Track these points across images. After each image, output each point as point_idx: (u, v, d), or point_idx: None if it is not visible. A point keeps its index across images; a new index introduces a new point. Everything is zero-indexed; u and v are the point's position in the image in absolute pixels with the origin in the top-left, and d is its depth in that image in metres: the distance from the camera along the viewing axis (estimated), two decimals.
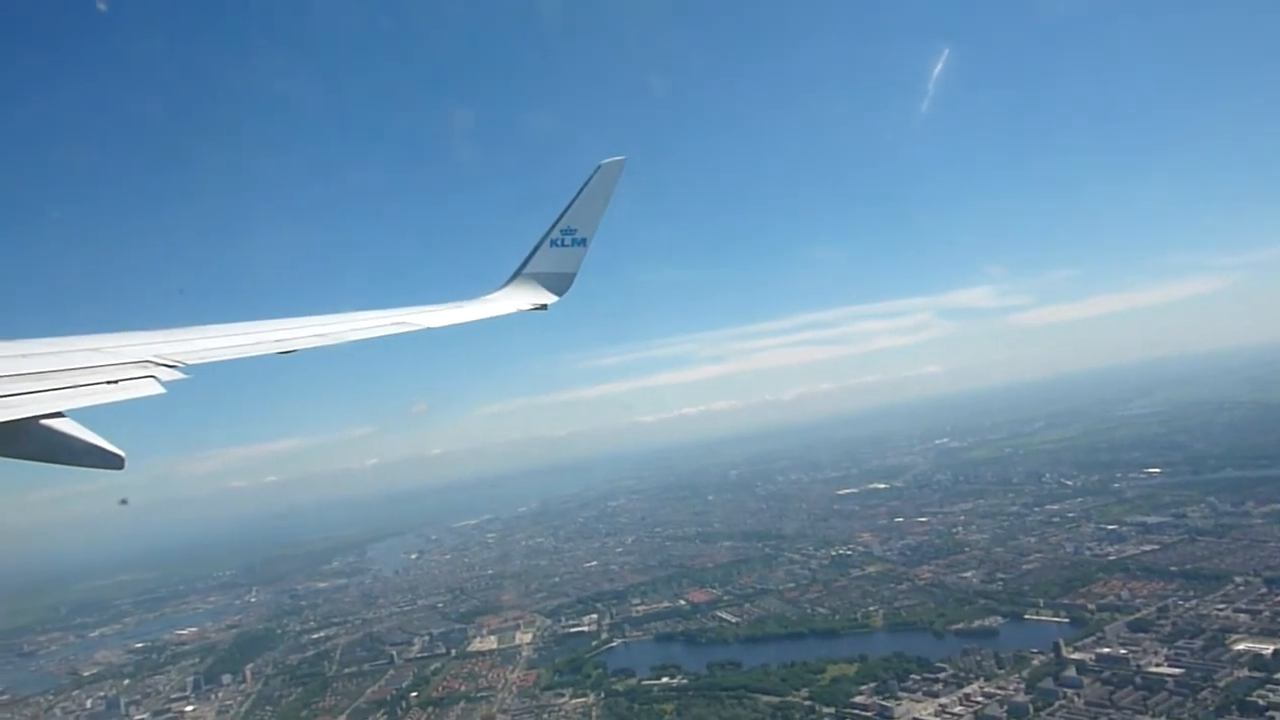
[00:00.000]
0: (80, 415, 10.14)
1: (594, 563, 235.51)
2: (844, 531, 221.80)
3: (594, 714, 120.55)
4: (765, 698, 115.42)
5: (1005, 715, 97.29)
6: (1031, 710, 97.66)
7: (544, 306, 22.73)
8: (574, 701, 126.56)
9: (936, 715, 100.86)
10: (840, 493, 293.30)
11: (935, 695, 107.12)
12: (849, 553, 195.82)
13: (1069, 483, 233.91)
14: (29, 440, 9.65)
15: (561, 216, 23.20)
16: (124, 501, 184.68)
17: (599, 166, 23.22)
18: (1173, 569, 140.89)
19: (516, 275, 23.34)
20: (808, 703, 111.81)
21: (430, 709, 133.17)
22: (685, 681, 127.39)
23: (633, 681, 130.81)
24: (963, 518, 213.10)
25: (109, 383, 11.20)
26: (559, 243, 23.17)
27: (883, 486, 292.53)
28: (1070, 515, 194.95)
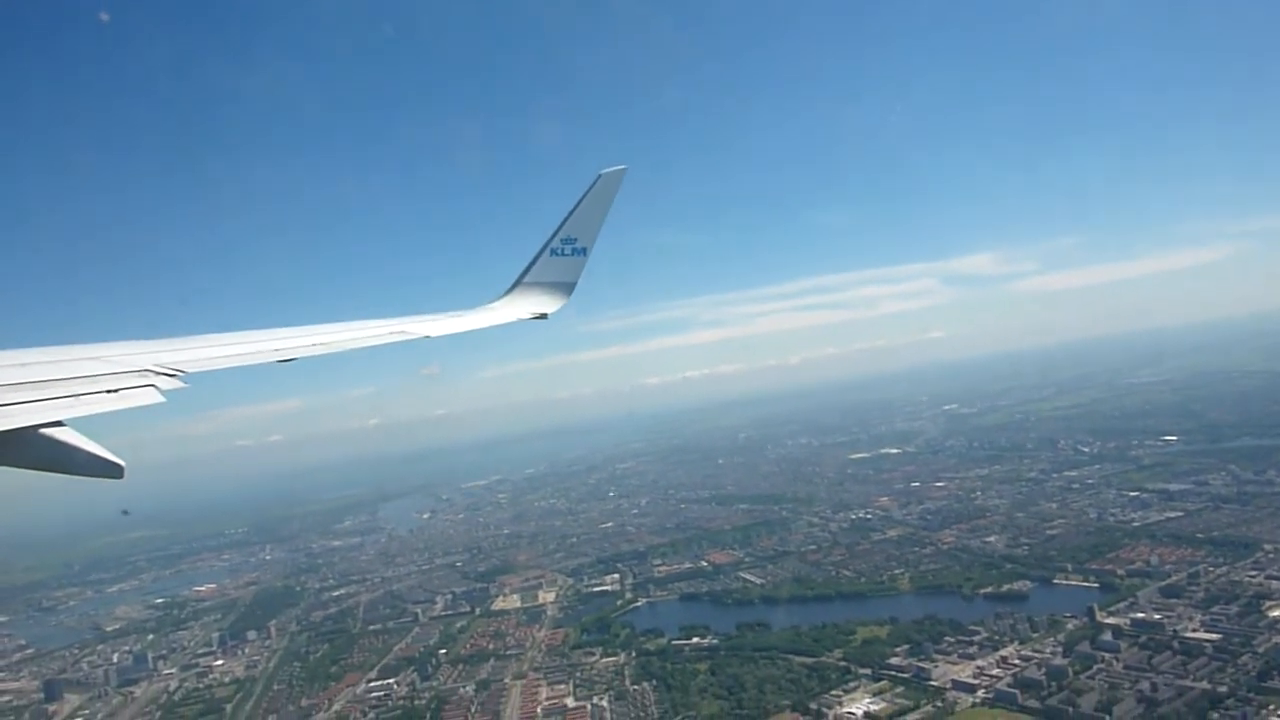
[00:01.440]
0: (80, 424, 10.20)
1: (610, 524, 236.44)
2: (860, 496, 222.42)
3: (626, 673, 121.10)
4: (798, 659, 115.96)
5: (1044, 678, 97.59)
6: (1070, 673, 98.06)
7: (544, 315, 22.72)
8: (605, 660, 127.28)
9: (975, 677, 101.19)
10: (852, 457, 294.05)
11: (971, 658, 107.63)
12: (868, 517, 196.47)
13: (1085, 449, 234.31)
14: (29, 450, 9.70)
15: (562, 225, 23.09)
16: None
17: (599, 175, 23.04)
18: (1199, 536, 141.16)
19: (517, 284, 23.33)
20: (842, 664, 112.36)
21: (460, 666, 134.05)
22: (715, 642, 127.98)
23: (662, 641, 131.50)
24: (980, 483, 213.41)
25: (109, 392, 11.28)
26: (559, 252, 23.15)
27: (895, 451, 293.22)
28: (1090, 481, 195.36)
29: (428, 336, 18.68)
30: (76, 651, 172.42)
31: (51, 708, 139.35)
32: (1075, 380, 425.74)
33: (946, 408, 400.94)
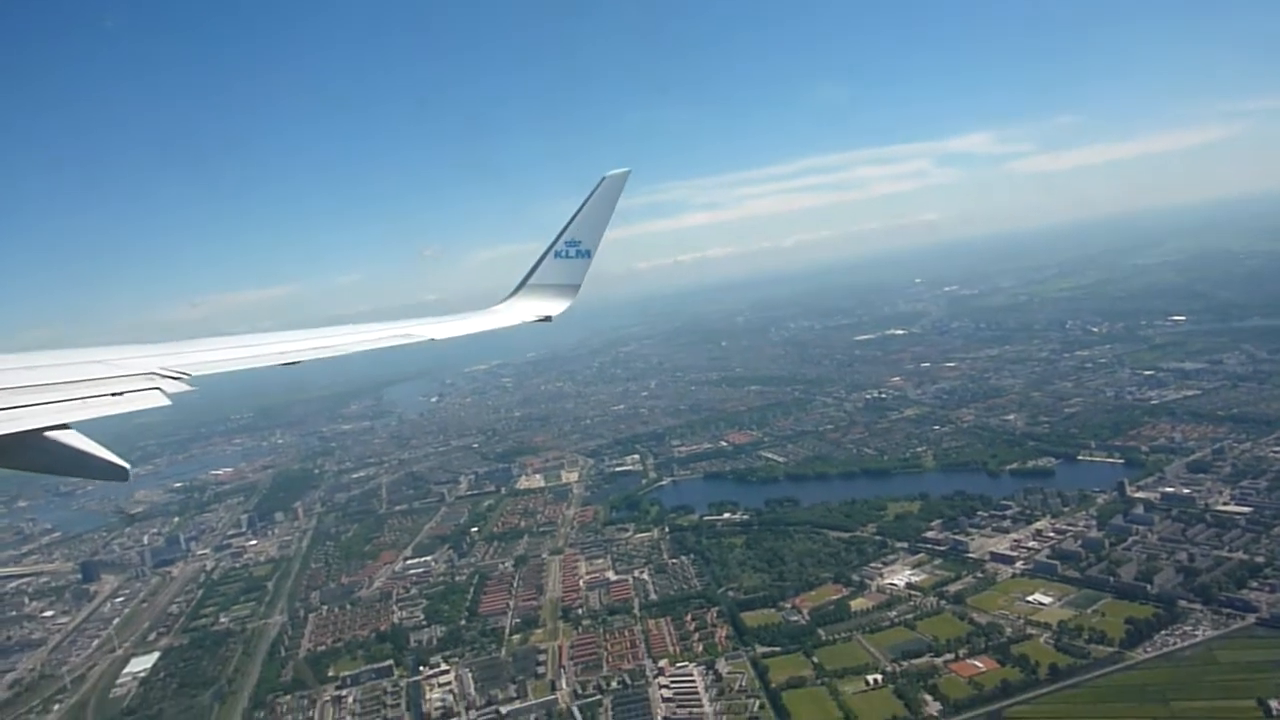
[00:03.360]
0: (85, 427, 10.30)
1: (621, 406, 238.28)
2: (872, 376, 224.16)
3: (662, 548, 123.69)
4: (833, 533, 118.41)
5: (1081, 550, 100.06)
6: (1106, 545, 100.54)
7: (549, 318, 22.60)
8: (639, 536, 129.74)
9: (1012, 549, 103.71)
10: (858, 339, 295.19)
11: (1005, 531, 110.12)
12: (883, 396, 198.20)
13: (1094, 330, 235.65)
14: (34, 452, 9.85)
15: (566, 228, 22.96)
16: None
17: (603, 178, 22.88)
18: (1220, 413, 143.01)
19: (521, 286, 23.25)
20: (877, 538, 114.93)
21: (495, 543, 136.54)
22: (747, 518, 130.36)
23: (693, 517, 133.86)
24: (991, 363, 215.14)
25: (114, 395, 11.40)
26: (563, 254, 23.05)
27: (900, 332, 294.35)
28: (1102, 361, 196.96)
29: (432, 340, 18.89)
30: (105, 535, 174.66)
31: (92, 587, 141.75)
32: (1077, 262, 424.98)
33: (947, 289, 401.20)
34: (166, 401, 11.78)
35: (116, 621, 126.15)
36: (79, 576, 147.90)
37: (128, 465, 10.04)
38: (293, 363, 15.40)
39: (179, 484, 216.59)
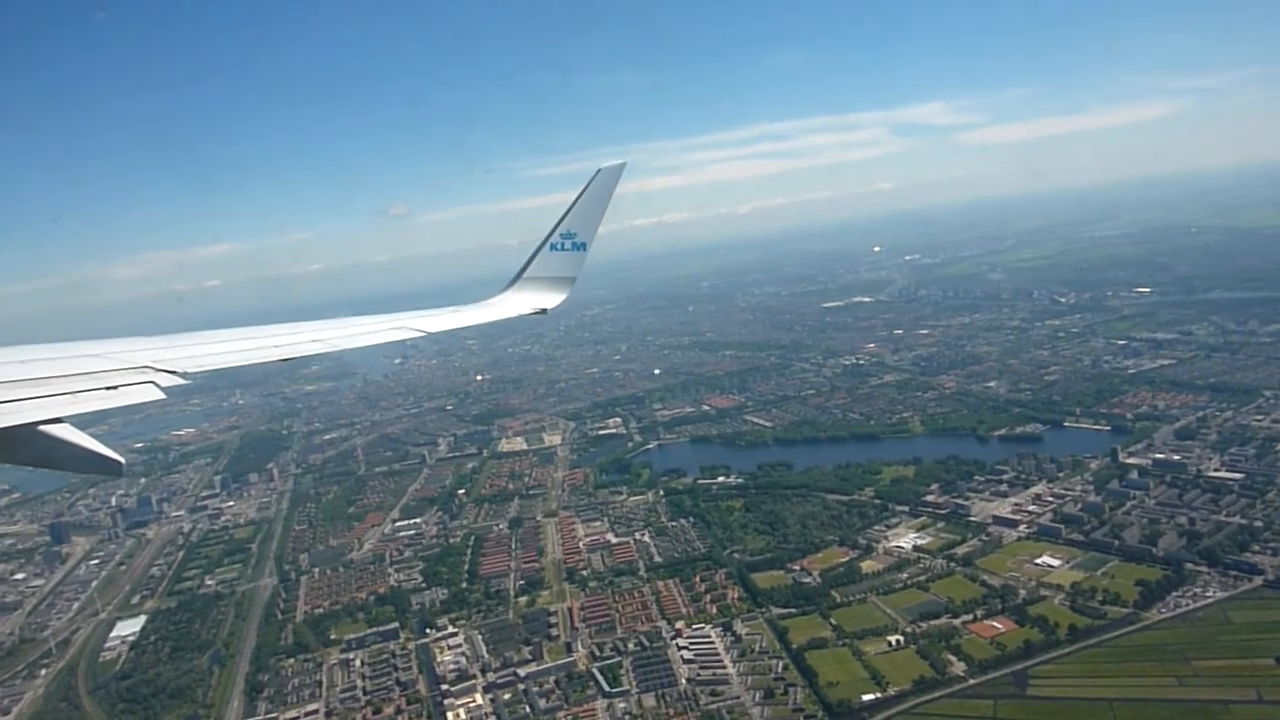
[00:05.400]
0: (79, 421, 10.32)
1: (594, 370, 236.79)
2: (846, 342, 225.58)
3: (659, 510, 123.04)
4: (831, 496, 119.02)
5: (1083, 514, 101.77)
6: (1106, 510, 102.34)
7: (544, 311, 22.58)
8: (633, 499, 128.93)
9: (1014, 513, 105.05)
10: (826, 305, 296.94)
11: (1004, 495, 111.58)
12: (861, 362, 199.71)
13: (1061, 299, 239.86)
14: (29, 446, 9.89)
15: (561, 221, 22.79)
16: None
17: (598, 171, 22.80)
18: (1198, 382, 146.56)
19: (517, 279, 23.18)
20: (876, 501, 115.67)
21: (485, 505, 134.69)
22: (741, 481, 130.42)
23: (687, 481, 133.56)
24: (964, 331, 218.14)
25: (108, 389, 11.43)
26: (559, 247, 22.93)
27: (868, 300, 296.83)
28: (1074, 330, 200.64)
29: (427, 333, 18.87)
30: (68, 495, 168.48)
31: (63, 549, 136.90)
32: (1034, 232, 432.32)
33: (909, 258, 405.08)
34: (161, 395, 11.70)
35: (95, 584, 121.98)
36: (48, 538, 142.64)
37: (122, 459, 10.16)
38: (288, 359, 15.55)
39: (140, 444, 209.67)
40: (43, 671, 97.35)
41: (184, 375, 12.79)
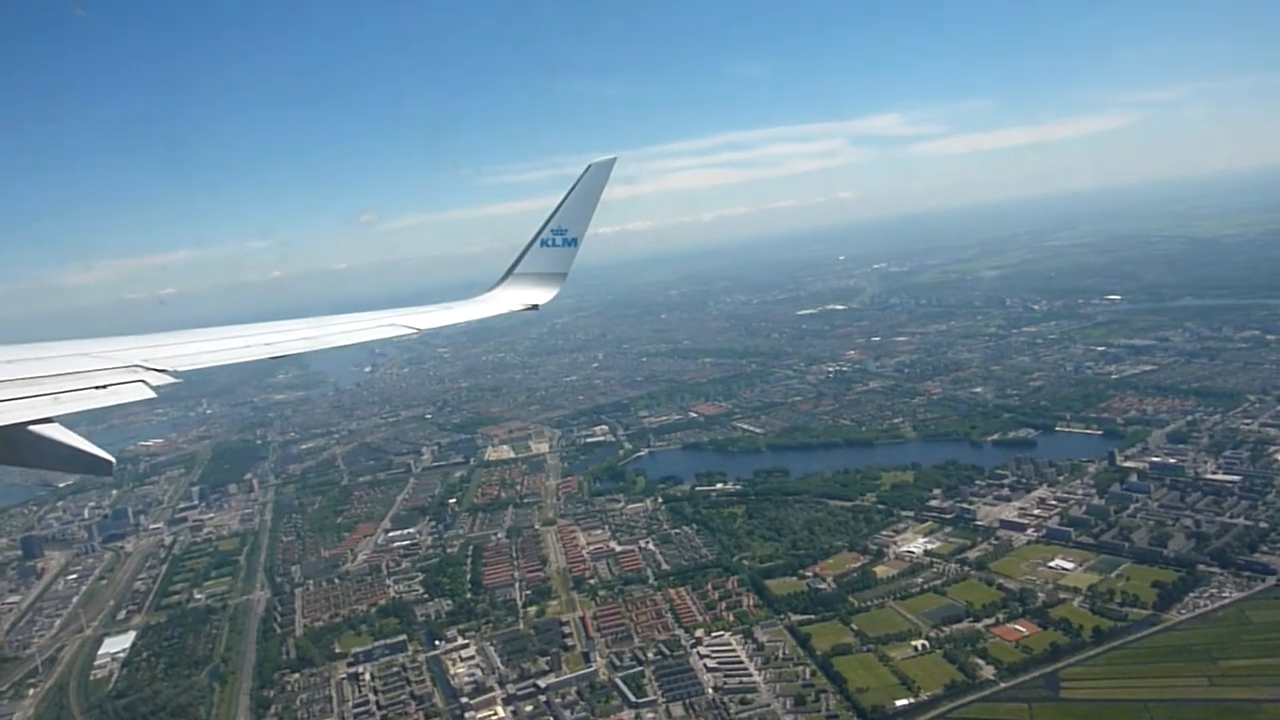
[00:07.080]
0: (69, 420, 10.27)
1: (573, 377, 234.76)
2: (825, 350, 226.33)
3: (660, 518, 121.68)
4: (833, 502, 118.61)
5: (1089, 517, 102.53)
6: (1111, 513, 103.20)
7: (535, 307, 22.70)
8: (632, 507, 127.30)
9: (1020, 517, 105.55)
10: (800, 313, 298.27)
11: (1007, 499, 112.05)
12: (844, 369, 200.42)
13: (1035, 307, 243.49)
14: (18, 446, 9.80)
15: (551, 217, 22.83)
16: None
17: (588, 166, 22.74)
18: (1182, 387, 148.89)
19: (507, 276, 23.24)
20: (880, 507, 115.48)
21: (479, 515, 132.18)
22: (740, 488, 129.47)
23: (684, 488, 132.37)
24: (942, 338, 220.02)
25: (98, 388, 11.37)
26: (549, 243, 22.95)
27: (841, 308, 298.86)
28: (1052, 337, 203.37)
29: (419, 330, 18.76)
30: (35, 509, 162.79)
31: (38, 564, 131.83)
32: (997, 241, 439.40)
33: (876, 266, 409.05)
34: (151, 394, 11.60)
35: (76, 599, 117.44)
36: (20, 553, 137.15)
37: (112, 459, 10.03)
38: (281, 356, 15.41)
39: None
40: (30, 691, 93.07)
41: (174, 374, 12.67)
